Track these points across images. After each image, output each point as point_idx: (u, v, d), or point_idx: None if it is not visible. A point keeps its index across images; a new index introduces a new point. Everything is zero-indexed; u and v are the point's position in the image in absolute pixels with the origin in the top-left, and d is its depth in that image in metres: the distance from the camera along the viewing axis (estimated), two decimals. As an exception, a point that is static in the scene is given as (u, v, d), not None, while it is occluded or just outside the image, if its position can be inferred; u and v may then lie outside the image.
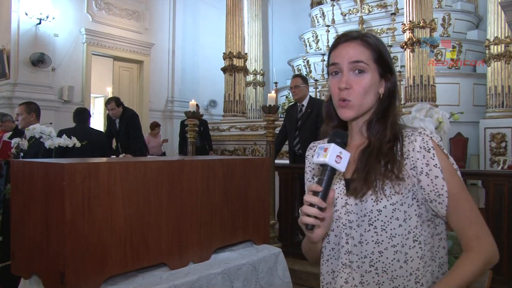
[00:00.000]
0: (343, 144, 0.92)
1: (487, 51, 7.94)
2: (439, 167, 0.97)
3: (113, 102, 4.80)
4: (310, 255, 1.15)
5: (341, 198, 1.03)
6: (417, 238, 0.98)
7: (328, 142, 0.93)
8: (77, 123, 4.07)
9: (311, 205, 0.90)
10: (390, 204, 0.97)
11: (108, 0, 8.27)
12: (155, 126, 7.87)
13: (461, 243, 1.00)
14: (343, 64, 1.02)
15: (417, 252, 0.98)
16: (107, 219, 1.59)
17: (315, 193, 0.90)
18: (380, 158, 1.00)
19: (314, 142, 1.21)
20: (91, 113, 4.28)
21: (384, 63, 1.04)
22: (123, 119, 4.86)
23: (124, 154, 4.52)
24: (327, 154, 0.89)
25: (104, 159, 2.26)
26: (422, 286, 0.98)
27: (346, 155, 0.91)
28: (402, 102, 6.63)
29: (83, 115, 4.15)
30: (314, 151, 1.16)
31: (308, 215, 0.90)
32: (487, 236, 0.98)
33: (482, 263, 0.95)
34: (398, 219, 0.98)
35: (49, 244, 1.53)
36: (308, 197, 0.90)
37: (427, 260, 0.99)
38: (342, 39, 1.05)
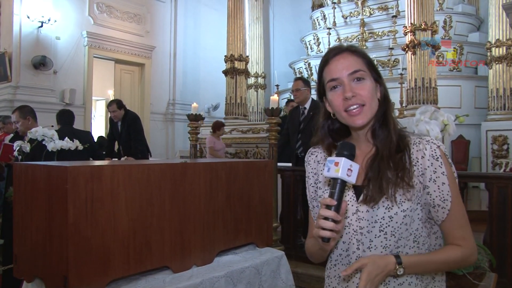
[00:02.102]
0: (352, 156, 0.95)
1: (488, 54, 7.94)
2: (446, 175, 1.02)
3: (114, 105, 4.79)
4: (316, 257, 1.17)
5: (352, 205, 1.06)
6: (417, 239, 1.04)
7: (337, 155, 0.95)
8: (62, 125, 3.87)
9: (326, 218, 0.92)
10: (401, 211, 1.01)
11: (110, 3, 8.30)
12: (220, 126, 6.42)
13: (446, 241, 1.08)
14: (343, 77, 1.03)
15: (415, 252, 1.03)
16: (110, 222, 1.58)
17: (328, 207, 0.92)
18: (391, 166, 1.03)
19: (314, 147, 1.23)
20: (75, 114, 4.06)
21: (375, 68, 1.08)
22: (125, 122, 4.85)
23: (126, 156, 4.51)
24: (339, 168, 0.92)
25: (106, 162, 2.25)
26: (422, 283, 1.04)
27: (356, 167, 0.93)
28: (404, 105, 6.63)
29: (67, 116, 3.96)
30: (316, 156, 1.20)
31: (324, 228, 0.92)
32: (472, 239, 1.07)
33: (459, 257, 1.04)
34: (406, 224, 1.02)
35: (52, 247, 1.53)
36: (323, 211, 0.92)
37: None
38: (332, 53, 1.08)
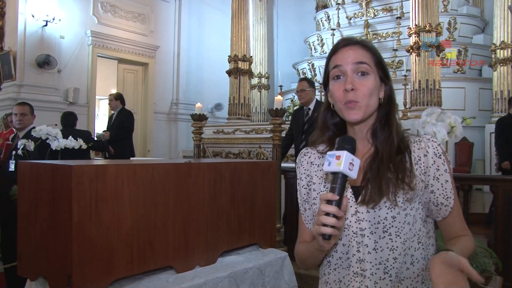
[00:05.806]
0: (353, 150, 0.92)
1: (493, 56, 7.90)
2: (448, 172, 1.02)
3: (113, 95, 5.53)
4: (310, 262, 1.13)
5: (351, 206, 1.03)
6: (421, 239, 1.02)
7: (337, 149, 0.92)
8: (64, 126, 4.22)
9: (327, 214, 0.88)
10: (403, 210, 0.99)
11: (114, 2, 8.30)
12: None
13: (447, 237, 1.07)
14: (347, 66, 1.02)
15: (421, 253, 1.02)
16: (114, 221, 1.58)
17: (329, 202, 0.88)
18: (391, 167, 1.01)
19: (307, 148, 1.20)
20: (77, 114, 4.63)
21: (383, 67, 1.06)
22: (119, 115, 5.34)
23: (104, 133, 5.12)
24: (341, 162, 0.88)
25: (111, 162, 2.25)
26: (427, 287, 1.01)
27: (357, 162, 0.90)
28: (408, 106, 6.61)
29: (70, 118, 4.37)
30: (309, 157, 1.17)
31: (325, 225, 0.88)
32: (469, 231, 1.08)
33: (472, 245, 1.04)
34: (409, 224, 1.00)
35: (56, 246, 1.52)
36: (324, 207, 0.88)
37: (427, 260, 1.02)
38: (342, 43, 1.06)
